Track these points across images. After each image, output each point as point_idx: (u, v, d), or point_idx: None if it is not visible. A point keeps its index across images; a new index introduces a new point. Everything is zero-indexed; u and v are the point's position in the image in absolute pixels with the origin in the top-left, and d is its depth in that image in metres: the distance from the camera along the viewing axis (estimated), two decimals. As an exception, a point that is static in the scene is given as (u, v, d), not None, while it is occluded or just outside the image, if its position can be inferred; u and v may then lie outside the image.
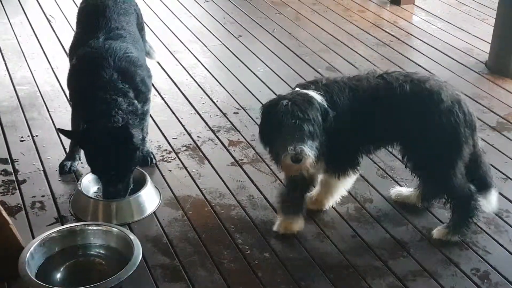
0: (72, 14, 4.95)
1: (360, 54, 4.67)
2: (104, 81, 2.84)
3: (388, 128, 2.68)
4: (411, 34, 5.07)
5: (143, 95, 3.00)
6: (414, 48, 4.82)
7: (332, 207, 2.97)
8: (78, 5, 3.44)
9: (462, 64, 4.54)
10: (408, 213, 2.94)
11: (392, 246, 2.75)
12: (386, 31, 5.08)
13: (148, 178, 3.00)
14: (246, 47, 4.75)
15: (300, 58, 4.58)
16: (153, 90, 4.00)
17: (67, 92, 3.24)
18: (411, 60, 4.60)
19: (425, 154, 2.67)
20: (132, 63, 2.97)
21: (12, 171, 3.18)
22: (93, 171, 2.89)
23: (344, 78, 2.70)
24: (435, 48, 4.79)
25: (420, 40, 4.95)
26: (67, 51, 3.32)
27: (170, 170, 3.24)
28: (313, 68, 4.43)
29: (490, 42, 4.53)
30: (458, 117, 2.59)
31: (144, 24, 3.57)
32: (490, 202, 2.80)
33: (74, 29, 3.38)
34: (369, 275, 2.58)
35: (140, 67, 3.02)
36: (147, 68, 3.15)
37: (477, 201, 2.72)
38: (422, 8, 5.58)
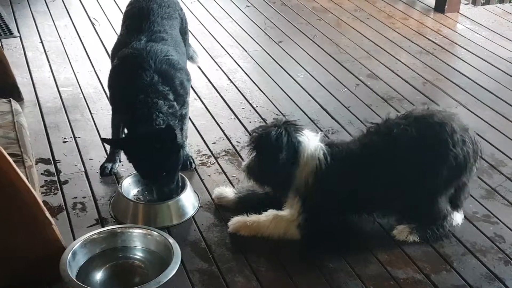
0: (116, 17, 5.06)
1: (402, 62, 4.60)
2: (145, 84, 2.86)
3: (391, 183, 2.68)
4: (455, 43, 4.97)
5: (181, 98, 3.01)
6: (458, 57, 4.72)
7: (373, 217, 2.92)
8: (124, 8, 3.47)
9: (508, 74, 4.43)
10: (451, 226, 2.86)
11: (435, 259, 2.68)
12: (429, 39, 5.00)
13: (188, 182, 3.00)
14: (286, 52, 4.74)
15: (341, 65, 4.54)
16: (193, 94, 4.05)
17: (108, 93, 3.27)
18: (455, 69, 4.51)
19: (425, 186, 2.67)
20: (172, 65, 2.99)
21: (55, 172, 3.22)
22: (143, 176, 2.92)
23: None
24: (480, 58, 4.69)
25: (465, 49, 4.85)
26: (110, 54, 3.36)
27: (209, 175, 3.24)
28: (354, 75, 4.38)
29: (537, 52, 4.44)
30: (469, 148, 2.62)
31: (188, 29, 3.58)
32: (454, 220, 2.82)
33: (118, 31, 3.42)
34: (410, 288, 2.53)
35: (180, 70, 3.04)
36: (186, 71, 3.16)
37: (448, 221, 2.77)
38: (466, 17, 5.48)
